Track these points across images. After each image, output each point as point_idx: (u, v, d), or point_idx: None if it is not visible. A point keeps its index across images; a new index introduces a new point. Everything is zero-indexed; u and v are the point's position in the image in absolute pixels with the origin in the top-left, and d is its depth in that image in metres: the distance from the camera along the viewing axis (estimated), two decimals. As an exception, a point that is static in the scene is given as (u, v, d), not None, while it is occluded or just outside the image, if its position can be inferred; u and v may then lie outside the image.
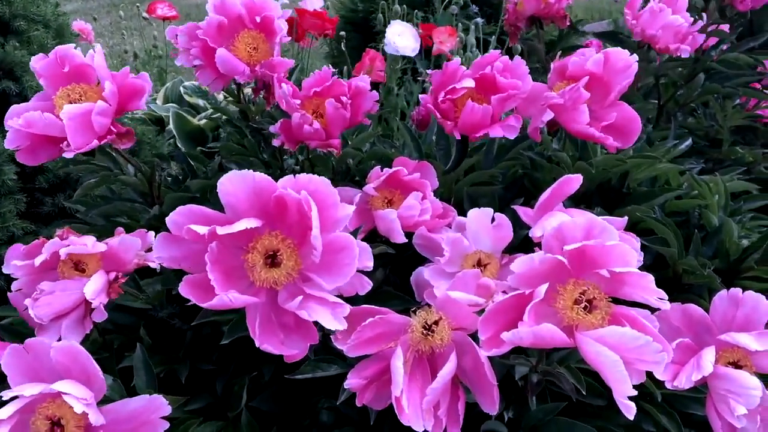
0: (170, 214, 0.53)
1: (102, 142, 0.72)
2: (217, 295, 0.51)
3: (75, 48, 0.74)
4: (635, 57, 0.73)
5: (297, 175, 0.54)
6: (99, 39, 2.50)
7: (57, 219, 1.06)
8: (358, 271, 0.55)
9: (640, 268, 0.70)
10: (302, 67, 1.95)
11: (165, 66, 2.05)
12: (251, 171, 0.53)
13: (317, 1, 1.96)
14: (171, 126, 1.54)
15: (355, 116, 0.81)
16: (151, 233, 0.66)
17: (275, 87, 0.82)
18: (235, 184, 0.53)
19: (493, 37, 1.45)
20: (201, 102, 1.64)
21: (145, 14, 2.07)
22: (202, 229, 0.51)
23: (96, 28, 2.34)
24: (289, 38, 0.90)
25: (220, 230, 0.51)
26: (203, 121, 1.56)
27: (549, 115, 0.75)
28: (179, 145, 1.50)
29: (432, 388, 0.52)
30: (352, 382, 0.56)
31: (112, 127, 0.73)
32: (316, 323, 0.54)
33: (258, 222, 0.53)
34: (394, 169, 0.75)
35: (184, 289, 0.52)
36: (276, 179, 0.92)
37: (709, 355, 0.58)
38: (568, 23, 1.13)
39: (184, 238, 0.53)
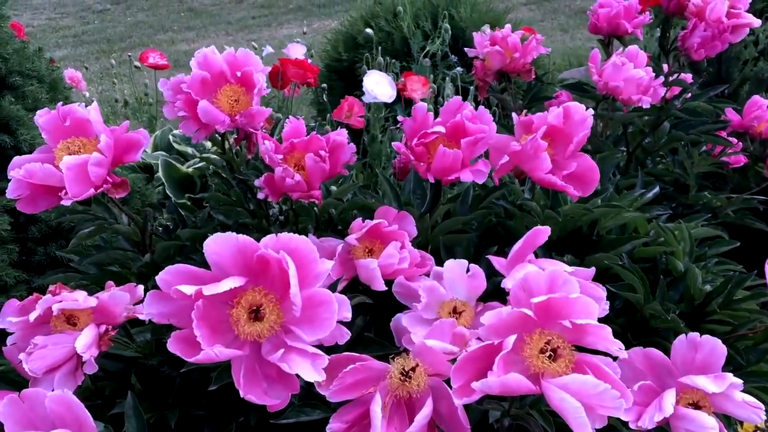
0: (160, 273, 0.56)
1: (98, 191, 0.76)
2: (203, 350, 0.54)
3: (78, 105, 0.79)
4: (591, 111, 0.78)
5: (279, 234, 0.57)
6: (89, 86, 2.56)
7: (49, 268, 1.09)
8: (337, 322, 0.58)
9: (610, 312, 0.73)
10: (287, 114, 2.01)
11: (156, 113, 2.09)
12: (234, 234, 0.57)
13: (300, 49, 2.03)
14: (160, 173, 1.58)
15: (335, 168, 0.85)
16: (141, 287, 0.69)
17: (259, 142, 0.86)
18: (219, 245, 0.57)
19: (472, 87, 1.51)
20: (190, 150, 1.69)
21: (137, 63, 2.11)
22: (189, 290, 0.54)
23: (86, 74, 2.39)
24: (269, 90, 0.94)
25: (206, 291, 0.54)
26: (191, 169, 1.60)
27: (505, 159, 0.79)
28: (168, 192, 1.54)
29: (409, 432, 0.55)
30: (333, 426, 0.59)
31: (108, 178, 0.77)
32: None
33: (242, 280, 0.57)
34: (375, 221, 0.79)
35: (172, 346, 0.56)
36: (261, 228, 0.96)
37: (670, 396, 0.61)
38: (533, 76, 1.19)
39: (172, 296, 0.57)
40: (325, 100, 1.61)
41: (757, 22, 1.13)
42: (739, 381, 0.61)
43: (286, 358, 0.57)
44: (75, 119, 0.77)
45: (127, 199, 1.24)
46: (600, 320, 0.56)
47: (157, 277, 0.57)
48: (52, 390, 0.63)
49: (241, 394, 0.57)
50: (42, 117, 0.77)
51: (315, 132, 0.87)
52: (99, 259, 0.88)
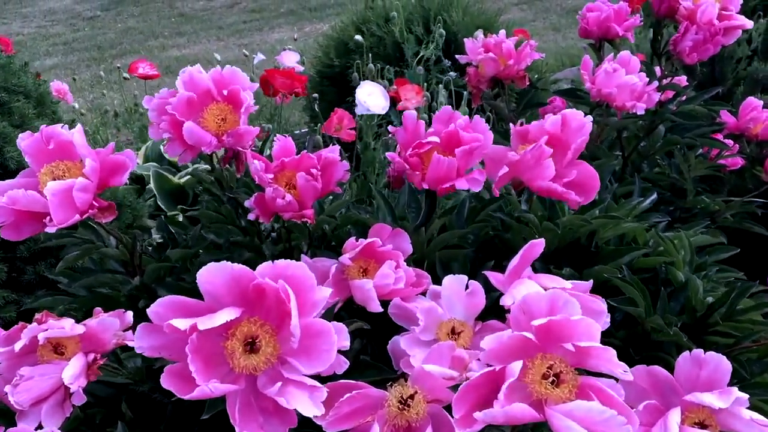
0: (151, 306, 0.54)
1: (83, 217, 0.74)
2: (198, 387, 0.52)
3: (62, 127, 0.77)
4: (590, 118, 0.76)
5: (276, 261, 0.56)
6: (79, 95, 2.53)
7: (38, 287, 1.07)
8: (335, 352, 0.56)
9: (611, 325, 0.71)
10: (279, 121, 1.99)
11: (147, 123, 2.07)
12: (228, 263, 0.55)
13: (293, 56, 2.01)
14: (151, 185, 1.56)
15: (327, 186, 0.83)
16: (129, 313, 0.68)
17: (248, 161, 0.84)
18: (213, 274, 0.55)
19: (465, 92, 1.50)
20: (181, 160, 1.66)
21: (126, 74, 2.09)
22: (183, 324, 0.52)
23: (76, 83, 2.36)
24: (256, 108, 0.92)
25: (201, 326, 0.52)
26: (183, 179, 1.58)
27: (504, 169, 0.78)
28: (160, 203, 1.52)
29: (408, 463, 0.54)
30: (331, 457, 0.57)
31: (94, 202, 0.75)
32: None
33: (237, 312, 0.55)
34: (368, 240, 0.77)
35: (165, 381, 0.54)
36: (253, 246, 0.94)
37: (675, 416, 0.60)
38: (528, 83, 1.18)
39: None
40: (317, 109, 1.59)
41: (749, 24, 1.12)
42: (745, 396, 0.59)
43: (283, 391, 0.55)
44: (59, 142, 0.75)
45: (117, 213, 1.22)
46: (601, 334, 0.54)
47: (148, 310, 0.55)
48: (39, 423, 0.61)
49: (237, 430, 0.55)
50: (24, 140, 0.75)
51: (308, 138, 0.85)
52: (88, 282, 0.86)
